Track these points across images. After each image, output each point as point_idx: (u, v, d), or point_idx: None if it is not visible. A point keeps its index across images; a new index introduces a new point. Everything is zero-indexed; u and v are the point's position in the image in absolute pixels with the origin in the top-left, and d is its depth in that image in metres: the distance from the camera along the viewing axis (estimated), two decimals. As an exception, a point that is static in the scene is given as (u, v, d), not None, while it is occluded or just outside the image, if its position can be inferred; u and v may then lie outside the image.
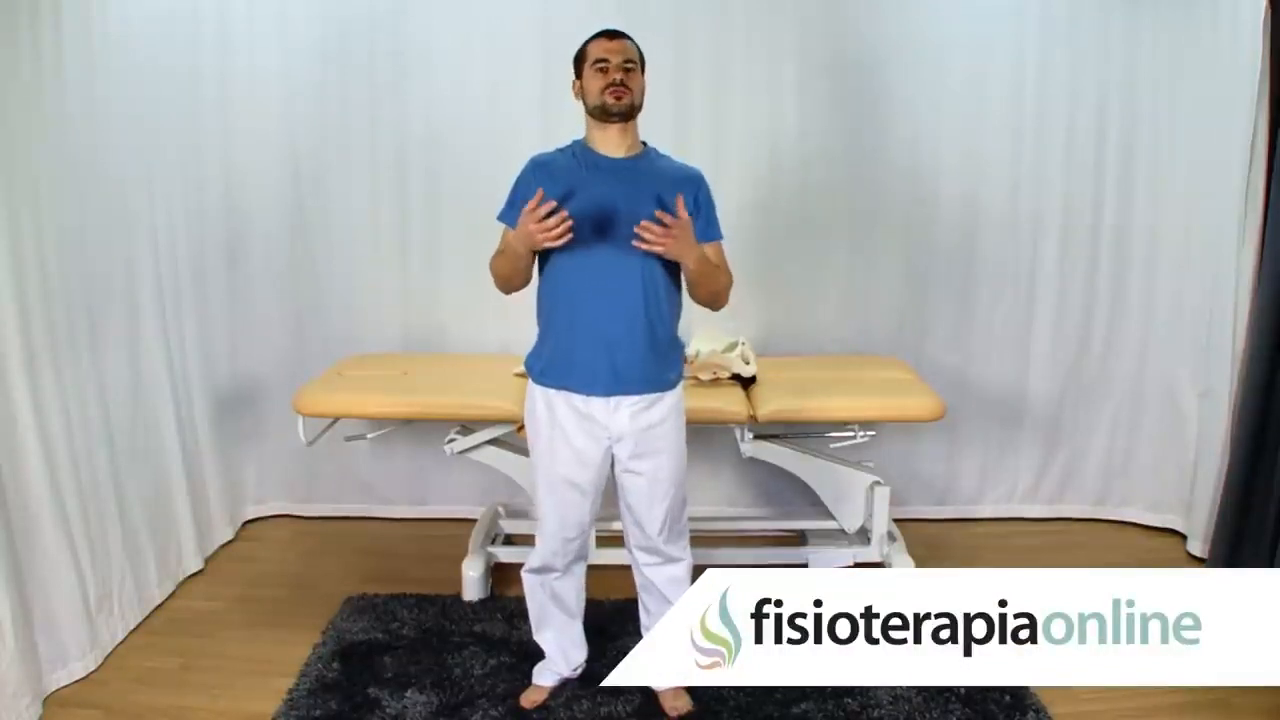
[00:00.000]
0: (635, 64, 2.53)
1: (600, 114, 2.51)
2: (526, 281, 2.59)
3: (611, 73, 2.48)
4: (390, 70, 3.88)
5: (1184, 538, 4.00)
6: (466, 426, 3.49)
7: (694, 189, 2.56)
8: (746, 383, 3.55)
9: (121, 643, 3.20)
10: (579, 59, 2.57)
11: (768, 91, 3.90)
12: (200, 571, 3.72)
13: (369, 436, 3.68)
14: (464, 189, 3.90)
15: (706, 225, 2.57)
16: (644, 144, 2.61)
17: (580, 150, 2.57)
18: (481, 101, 3.90)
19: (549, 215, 2.36)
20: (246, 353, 4.05)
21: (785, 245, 4.00)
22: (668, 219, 2.34)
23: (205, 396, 3.88)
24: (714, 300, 2.61)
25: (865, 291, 4.06)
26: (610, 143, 2.54)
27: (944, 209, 4.01)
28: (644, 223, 2.33)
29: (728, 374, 3.54)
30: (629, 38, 2.56)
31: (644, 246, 2.35)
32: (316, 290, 4.04)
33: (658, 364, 2.58)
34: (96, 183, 3.18)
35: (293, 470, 4.14)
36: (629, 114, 2.52)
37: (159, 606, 3.44)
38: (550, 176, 2.52)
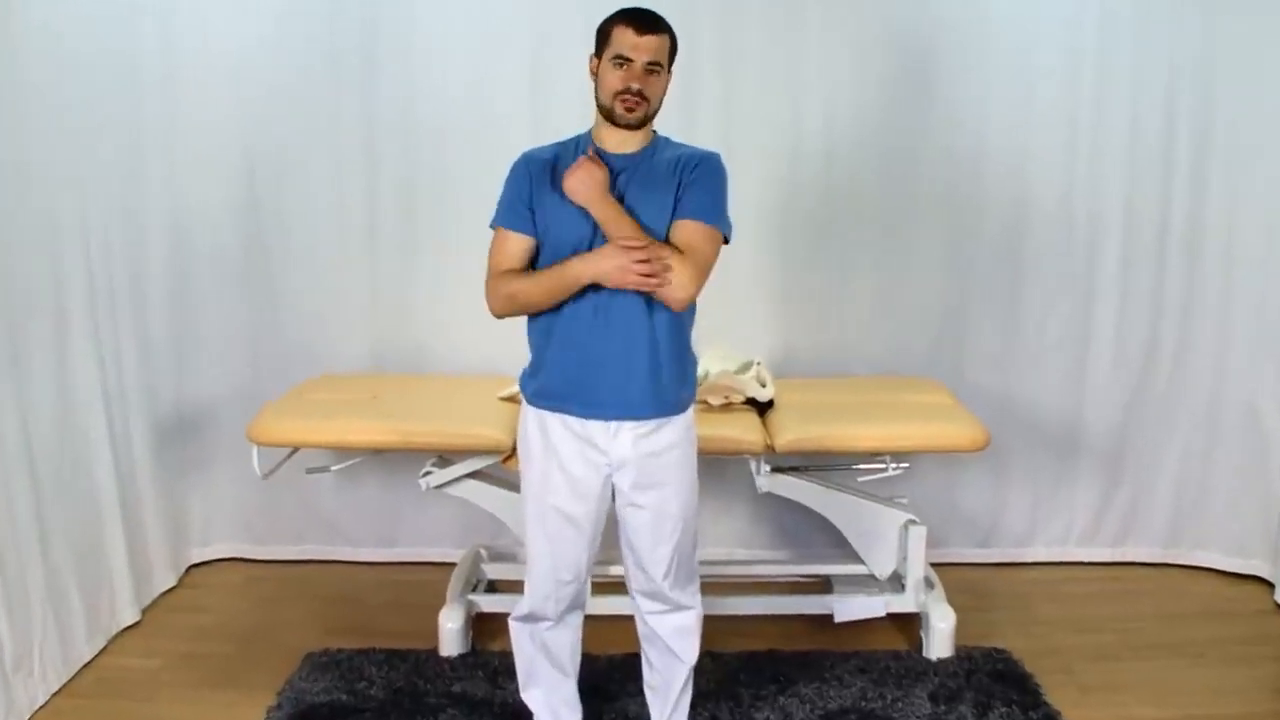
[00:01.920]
0: (661, 66, 2.55)
1: (608, 116, 2.59)
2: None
3: (630, 76, 2.52)
4: (360, 54, 3.97)
5: (1271, 586, 4.07)
6: (445, 457, 3.56)
7: (693, 165, 2.60)
8: (762, 408, 3.63)
9: (42, 707, 3.23)
10: (602, 36, 2.58)
11: (787, 75, 4.00)
12: (136, 624, 3.78)
13: (333, 469, 3.74)
14: (444, 190, 4.01)
15: (686, 199, 2.57)
16: (654, 132, 2.67)
17: (586, 144, 2.64)
18: (464, 90, 4.00)
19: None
20: (193, 373, 4.13)
21: (806, 251, 4.10)
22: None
23: (145, 422, 3.95)
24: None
25: (897, 304, 4.15)
26: (617, 140, 2.61)
27: (988, 208, 4.10)
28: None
29: (741, 398, 3.62)
30: (664, 28, 2.56)
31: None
32: (274, 303, 4.13)
33: (665, 384, 2.63)
34: (17, 180, 3.23)
35: (246, 507, 4.21)
36: (639, 126, 2.59)
37: (87, 665, 3.49)
38: (545, 174, 2.60)
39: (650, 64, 2.52)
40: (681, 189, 2.57)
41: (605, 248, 2.49)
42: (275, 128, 4.00)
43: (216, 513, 4.25)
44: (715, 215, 2.59)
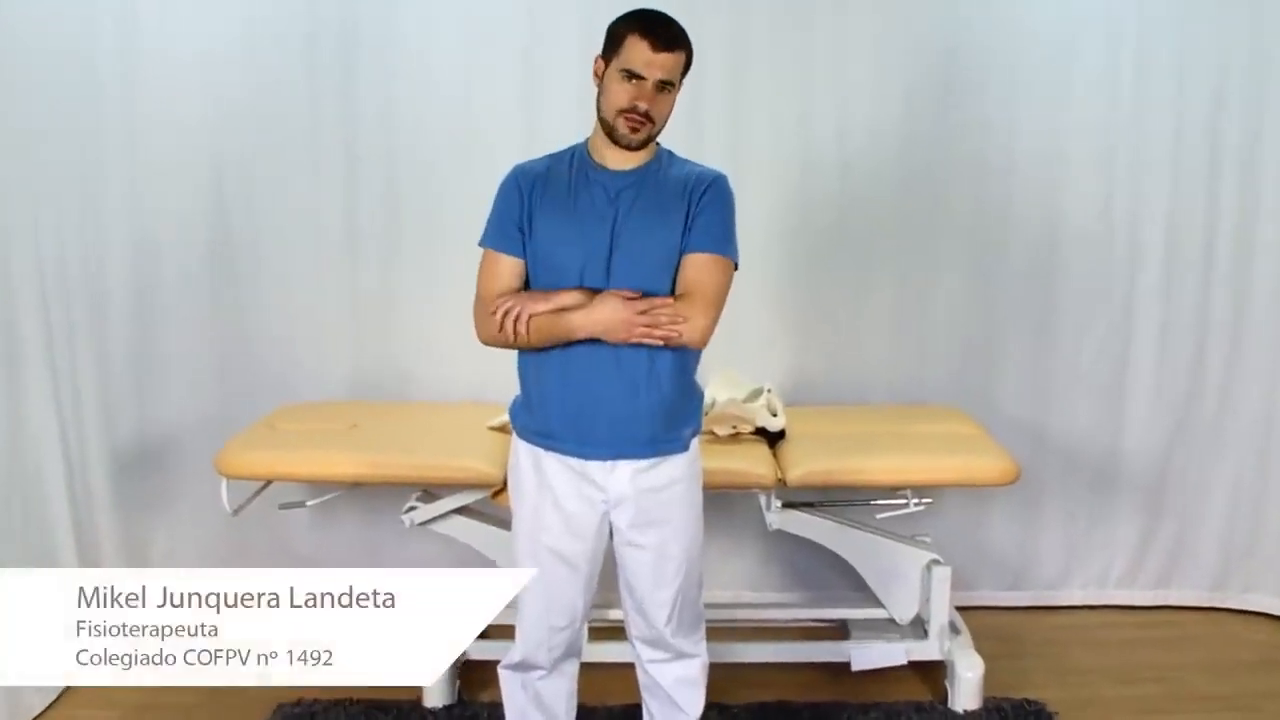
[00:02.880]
0: (672, 86, 2.55)
1: (609, 133, 2.58)
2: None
3: (639, 95, 2.51)
4: (338, 54, 4.00)
5: (1329, 631, 4.10)
6: (429, 492, 3.58)
7: (700, 190, 2.60)
8: (773, 439, 3.66)
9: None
10: (613, 39, 2.55)
11: (798, 79, 4.04)
12: (95, 672, 3.76)
13: (309, 504, 3.74)
14: (429, 203, 4.04)
15: (696, 229, 2.58)
16: (657, 145, 2.68)
17: (581, 159, 2.65)
18: (451, 93, 4.03)
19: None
20: (156, 399, 4.15)
21: (820, 269, 4.14)
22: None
23: (104, 454, 3.98)
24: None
25: (919, 327, 4.18)
26: (616, 156, 2.62)
27: (1018, 223, 4.14)
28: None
29: (750, 428, 3.65)
30: (682, 43, 2.55)
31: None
32: (244, 324, 4.15)
33: (667, 421, 2.65)
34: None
35: (214, 545, 4.21)
36: (640, 148, 2.59)
37: (39, 717, 3.48)
38: (538, 191, 2.62)
39: (662, 82, 2.52)
40: (691, 218, 2.58)
41: (605, 300, 2.51)
42: (246, 134, 4.03)
43: (181, 551, 4.24)
44: (726, 245, 2.62)
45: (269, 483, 3.54)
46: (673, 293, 2.57)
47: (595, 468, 2.64)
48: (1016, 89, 4.04)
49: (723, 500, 3.69)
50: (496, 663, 2.92)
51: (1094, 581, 4.34)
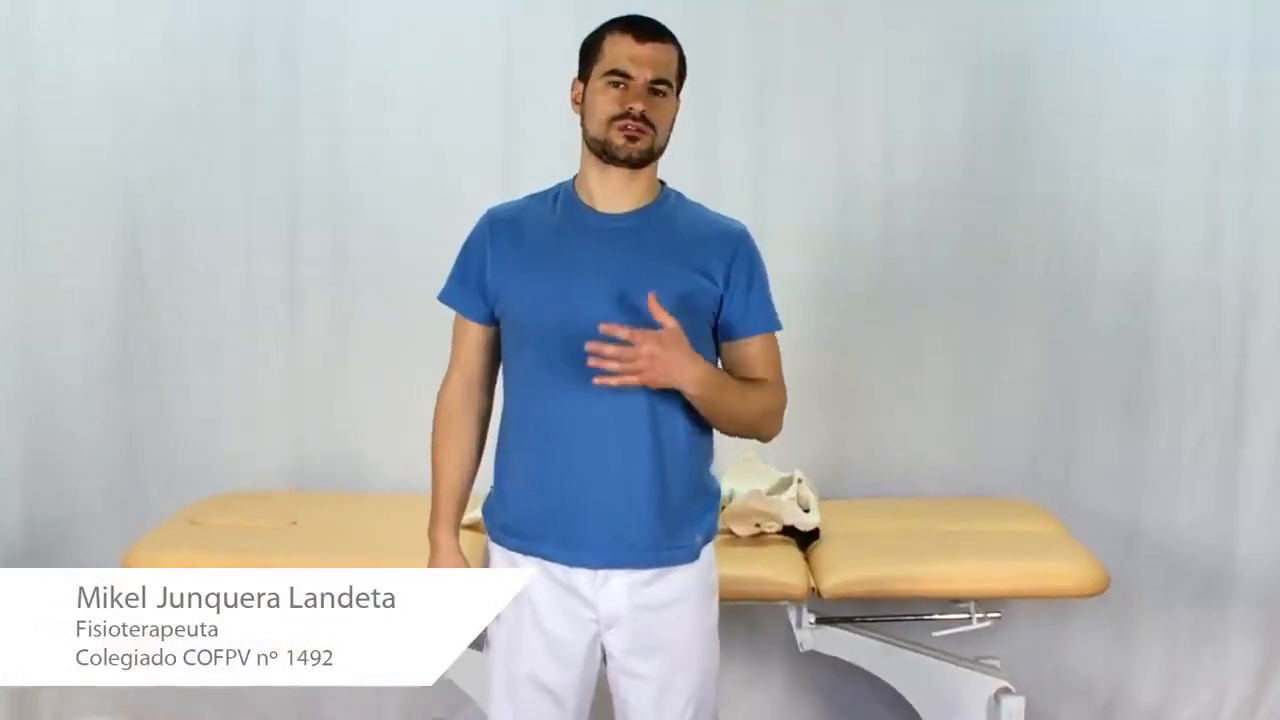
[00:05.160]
0: (669, 85, 2.54)
1: (601, 153, 2.55)
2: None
3: (631, 97, 2.49)
4: (278, 77, 4.06)
5: None
6: (384, 604, 3.57)
7: (728, 254, 2.61)
8: (805, 539, 3.68)
9: None
10: (589, 51, 2.57)
11: (834, 103, 4.09)
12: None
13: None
14: (385, 257, 4.10)
15: (749, 309, 2.62)
16: (662, 184, 2.67)
17: (567, 199, 2.64)
18: (412, 125, 4.09)
19: None
20: (53, 490, 4.17)
21: (862, 333, 4.18)
22: (636, 333, 2.37)
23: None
24: (752, 431, 2.66)
25: (982, 403, 4.21)
26: (610, 191, 2.60)
27: (1103, 279, 4.18)
28: (590, 344, 2.37)
29: (777, 526, 3.66)
30: (670, 37, 2.56)
31: (607, 382, 2.38)
32: (162, 399, 4.19)
33: (673, 525, 2.63)
34: None
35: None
36: (644, 161, 2.56)
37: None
38: (514, 239, 2.62)
39: (656, 82, 2.50)
40: (730, 288, 2.59)
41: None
42: (165, 175, 4.07)
43: (72, 694, 4.20)
44: (772, 318, 2.66)
45: (189, 593, 3.54)
46: None
47: (583, 578, 2.61)
48: (1100, 113, 4.09)
49: (743, 615, 3.70)
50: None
51: (1204, 713, 4.31)
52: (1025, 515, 3.84)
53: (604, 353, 2.35)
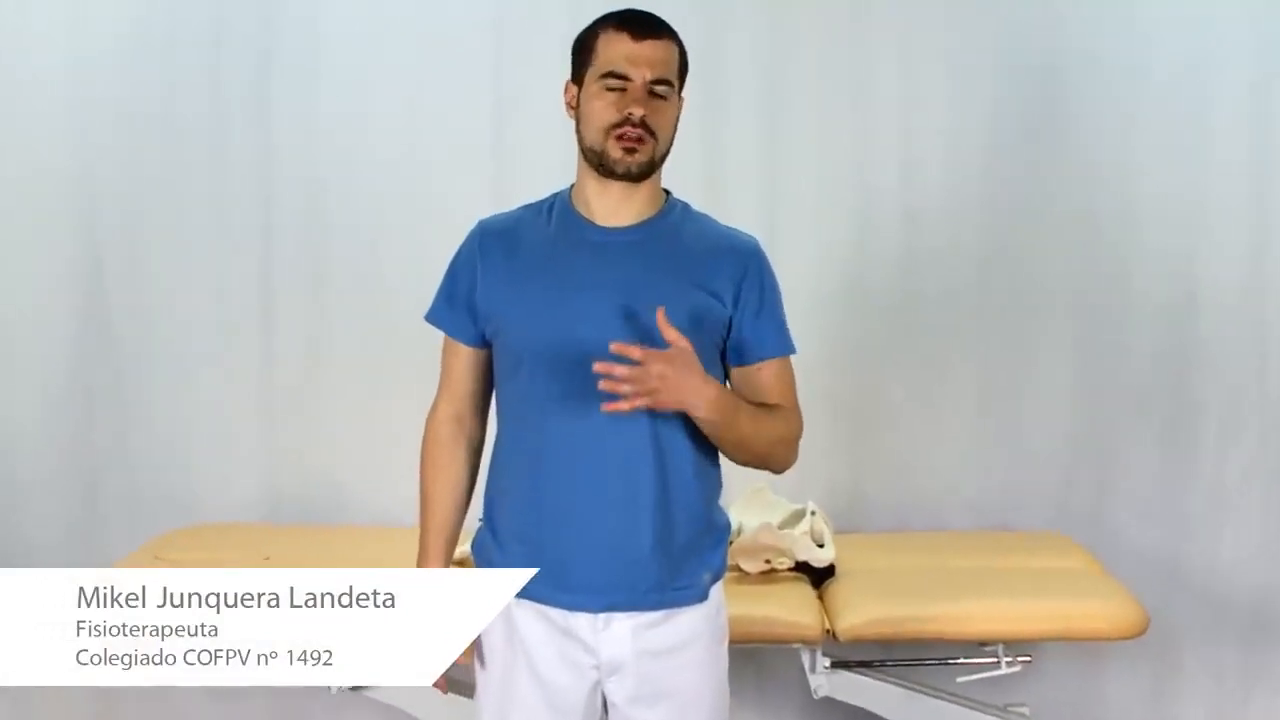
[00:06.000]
0: (672, 86, 2.51)
1: (599, 166, 2.53)
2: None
3: (630, 101, 2.45)
4: (250, 78, 4.08)
5: None
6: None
7: (738, 271, 2.59)
8: (820, 576, 3.67)
9: None
10: (581, 50, 2.55)
11: (851, 106, 4.10)
12: None
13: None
14: (366, 273, 4.11)
15: (761, 331, 2.61)
16: (666, 194, 2.66)
17: (563, 211, 2.63)
18: (395, 132, 4.10)
19: None
20: (3, 522, 4.16)
21: (880, 354, 4.18)
22: (648, 353, 2.35)
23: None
24: (764, 460, 2.65)
25: (1010, 428, 4.21)
26: (610, 203, 2.58)
27: (1140, 292, 4.18)
28: (600, 364, 2.35)
29: (789, 562, 3.66)
30: (668, 31, 2.52)
31: (617, 408, 2.36)
32: (122, 424, 4.19)
33: (679, 563, 2.61)
34: None
35: (77, 713, 4.18)
36: (644, 175, 2.54)
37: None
38: (507, 254, 2.61)
39: (656, 83, 2.47)
40: (740, 308, 2.58)
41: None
42: (128, 184, 4.08)
43: (35, 722, 4.24)
44: (785, 341, 2.65)
45: (153, 634, 3.54)
46: None
47: (583, 622, 2.59)
48: (1136, 116, 4.10)
49: (753, 658, 3.69)
50: None
51: (1253, 765, 4.33)
52: (1057, 550, 3.84)
53: (614, 373, 2.33)
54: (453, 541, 2.75)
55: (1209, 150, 4.11)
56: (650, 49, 2.47)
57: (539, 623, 2.61)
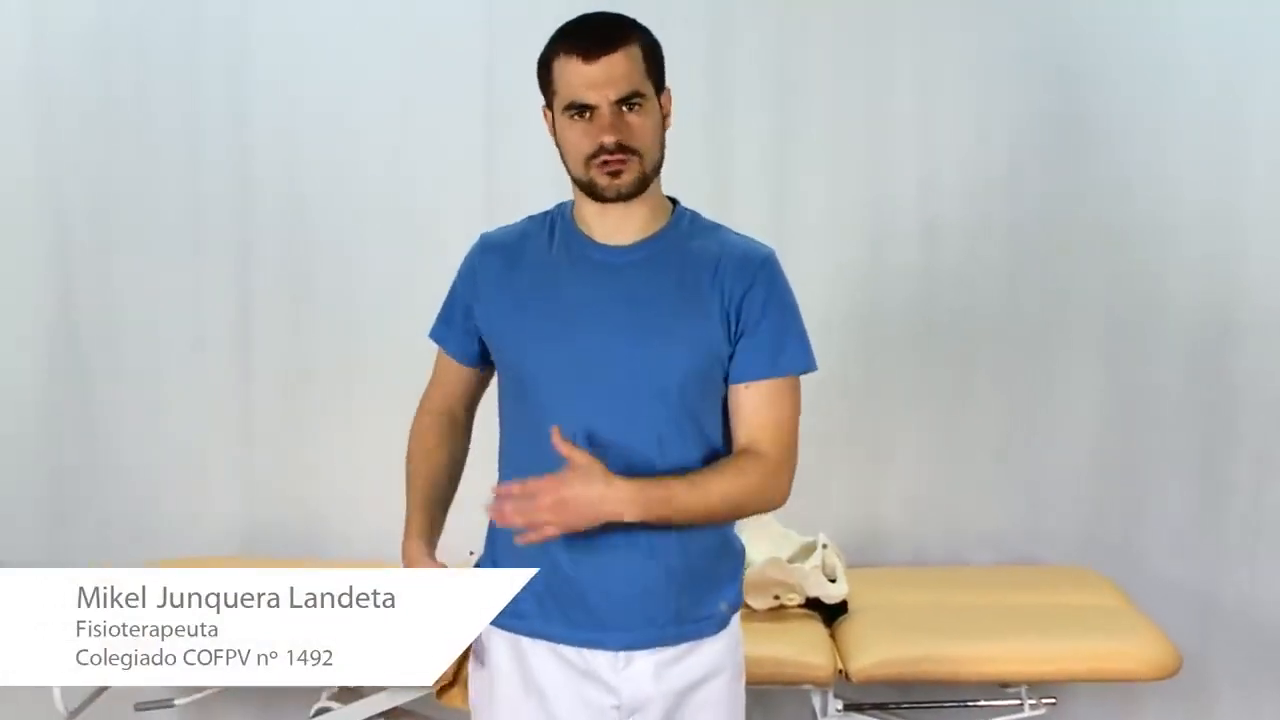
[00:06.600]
0: (641, 97, 2.45)
1: (589, 192, 2.52)
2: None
3: (599, 130, 2.43)
4: (224, 81, 4.07)
5: None
6: (349, 689, 3.55)
7: (743, 285, 2.56)
8: (832, 613, 3.66)
9: None
10: (543, 77, 2.53)
11: (866, 117, 4.10)
12: None
13: (177, 703, 3.73)
14: (349, 294, 4.10)
15: (751, 351, 2.56)
16: (673, 203, 2.63)
17: (564, 227, 2.62)
18: (380, 143, 4.10)
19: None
20: (-34, 557, 4.14)
21: (896, 378, 4.17)
22: (529, 485, 2.40)
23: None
24: (741, 515, 2.63)
25: (1035, 456, 4.20)
26: (610, 223, 2.57)
27: (1173, 310, 4.17)
28: (491, 506, 2.44)
29: (799, 598, 3.65)
30: (623, 38, 2.45)
31: (525, 540, 2.42)
32: (91, 453, 4.19)
33: (697, 593, 2.61)
34: None
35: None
36: (637, 192, 2.51)
37: None
38: (509, 270, 2.60)
39: (623, 100, 2.44)
40: (734, 322, 2.54)
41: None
42: (98, 195, 4.08)
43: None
44: (798, 355, 2.59)
45: (121, 676, 3.53)
46: (726, 443, 2.58)
47: (603, 661, 2.58)
48: (1169, 123, 4.09)
49: (760, 700, 3.66)
50: None
51: (1290, 817, 4.31)
52: (1085, 586, 3.83)
53: (503, 512, 2.40)
54: (437, 517, 2.73)
55: (1247, 157, 4.10)
56: (606, 68, 2.42)
57: (555, 663, 2.61)
